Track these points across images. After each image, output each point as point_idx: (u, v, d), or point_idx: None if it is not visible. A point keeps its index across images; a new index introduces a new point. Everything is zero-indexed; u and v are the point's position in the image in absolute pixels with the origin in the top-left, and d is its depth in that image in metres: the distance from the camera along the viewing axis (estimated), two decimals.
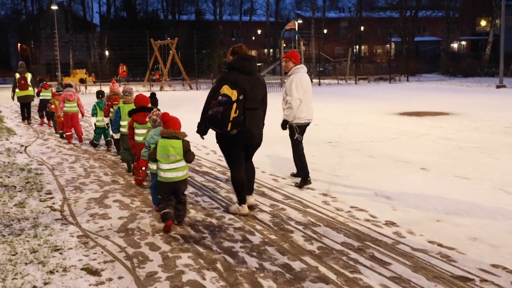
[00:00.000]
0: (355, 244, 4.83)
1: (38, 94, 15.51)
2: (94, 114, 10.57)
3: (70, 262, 4.52)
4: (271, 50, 66.95)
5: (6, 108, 21.46)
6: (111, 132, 9.17)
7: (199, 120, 5.92)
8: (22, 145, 11.22)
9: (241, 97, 5.48)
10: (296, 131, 7.16)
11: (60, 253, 4.72)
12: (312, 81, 40.00)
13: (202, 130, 5.93)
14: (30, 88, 15.35)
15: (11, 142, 11.69)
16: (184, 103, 21.98)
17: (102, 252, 4.74)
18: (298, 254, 4.63)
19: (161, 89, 32.85)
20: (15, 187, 7.29)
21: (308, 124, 7.30)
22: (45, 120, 15.26)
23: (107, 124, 10.08)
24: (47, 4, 58.79)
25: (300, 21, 47.37)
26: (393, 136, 11.42)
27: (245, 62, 5.73)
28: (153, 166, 5.75)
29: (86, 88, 35.01)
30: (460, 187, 6.88)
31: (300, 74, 7.05)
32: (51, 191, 7.06)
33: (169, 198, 5.37)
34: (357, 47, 61.73)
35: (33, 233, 5.24)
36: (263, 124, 6.06)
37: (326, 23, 63.55)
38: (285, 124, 7.23)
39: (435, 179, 7.39)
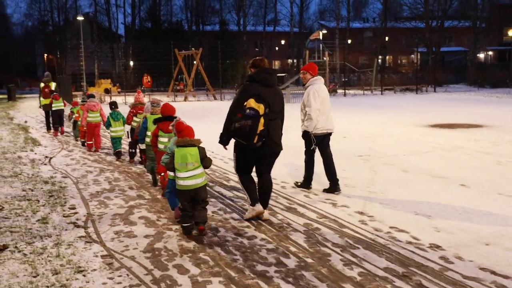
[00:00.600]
0: (399, 270, 4.45)
1: (45, 106, 15.60)
2: (108, 125, 10.80)
3: (94, 286, 4.24)
4: (294, 61, 66.65)
5: (31, 118, 21.51)
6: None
7: (221, 131, 6.04)
8: (46, 157, 11.07)
9: (267, 111, 5.68)
10: (313, 141, 7.34)
11: (84, 275, 4.44)
12: (336, 92, 39.61)
13: (224, 141, 6.05)
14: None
15: (35, 153, 11.57)
16: (209, 113, 21.79)
17: (127, 275, 4.45)
18: (338, 280, 4.27)
19: (186, 99, 32.79)
20: (39, 201, 7.08)
21: (326, 134, 7.46)
22: (62, 128, 15.46)
23: (127, 132, 10.23)
24: (73, 15, 59.60)
25: (324, 31, 46.99)
26: (427, 150, 10.97)
27: (266, 75, 5.91)
28: (170, 172, 5.82)
29: (110, 98, 35.13)
30: (507, 206, 6.43)
31: (317, 85, 7.24)
32: (74, 206, 6.82)
33: (189, 210, 5.47)
34: (382, 57, 61.21)
35: (55, 252, 4.98)
36: (281, 133, 6.18)
37: (350, 33, 63.04)
38: (305, 135, 7.40)
39: (477, 197, 6.96)
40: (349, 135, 13.33)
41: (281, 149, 6.13)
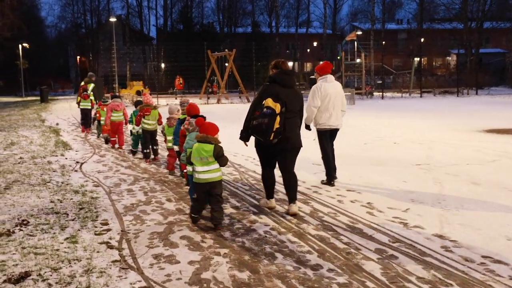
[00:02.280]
0: None
1: (78, 104, 16.41)
2: (130, 121, 11.25)
3: None
4: None
5: (63, 120, 21.06)
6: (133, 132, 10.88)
7: (242, 128, 6.40)
8: (77, 162, 10.39)
9: (283, 110, 6.00)
10: (317, 135, 7.94)
11: None
12: (372, 94, 38.41)
13: (244, 137, 6.42)
14: (91, 98, 16.10)
15: (66, 158, 10.91)
16: (242, 116, 20.90)
17: None
18: None
19: (218, 101, 32.07)
20: (68, 214, 6.32)
21: (332, 130, 7.88)
22: (88, 129, 16.16)
23: (137, 132, 10.62)
24: (106, 17, 59.67)
25: (359, 32, 45.77)
26: (492, 158, 9.90)
27: (285, 76, 6.28)
28: (189, 168, 6.24)
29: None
30: None
31: (319, 84, 7.65)
32: (107, 221, 6.04)
33: (201, 202, 5.80)
34: (418, 59, 59.61)
35: (85, 282, 4.18)
36: (299, 130, 6.45)
37: (384, 34, 61.54)
38: (306, 127, 7.84)
39: None
40: (399, 141, 12.32)
41: (300, 146, 6.36)
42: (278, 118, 5.93)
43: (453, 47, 66.62)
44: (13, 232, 5.60)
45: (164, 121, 9.77)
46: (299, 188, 7.55)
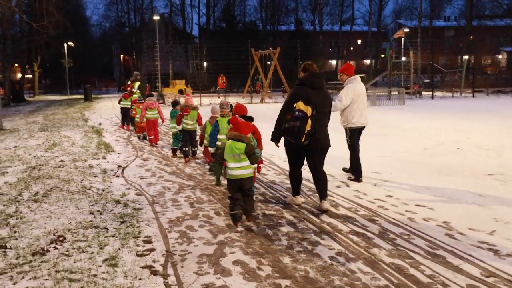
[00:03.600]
0: None
1: (119, 102, 17.22)
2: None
3: None
4: (373, 61, 63.86)
5: (106, 120, 20.77)
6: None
7: (273, 130, 6.56)
8: (119, 166, 9.87)
9: (314, 112, 6.13)
10: (347, 134, 8.11)
11: None
12: (421, 94, 36.98)
13: (276, 138, 6.58)
14: (135, 96, 15.97)
15: (108, 161, 10.41)
16: None
17: None
18: None
19: (262, 101, 31.38)
20: (108, 229, 5.73)
21: (361, 127, 8.13)
22: (128, 126, 16.83)
23: (179, 131, 10.66)
24: (149, 16, 59.87)
25: (407, 30, 44.22)
26: None
27: (315, 79, 6.38)
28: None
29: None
30: None
31: (352, 85, 7.86)
32: (150, 238, 5.41)
33: (237, 197, 5.95)
34: (467, 57, 57.45)
35: None
36: (327, 131, 6.50)
37: (427, 32, 59.56)
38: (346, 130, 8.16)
39: None
40: (463, 147, 11.32)
41: (329, 145, 6.51)
42: (309, 121, 6.07)
43: (504, 44, 64.01)
44: (48, 250, 5.03)
45: (204, 120, 9.61)
46: (361, 202, 6.81)
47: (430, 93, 35.13)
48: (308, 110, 6.07)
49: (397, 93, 30.04)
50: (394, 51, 45.52)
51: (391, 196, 7.09)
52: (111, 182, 8.33)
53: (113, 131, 16.41)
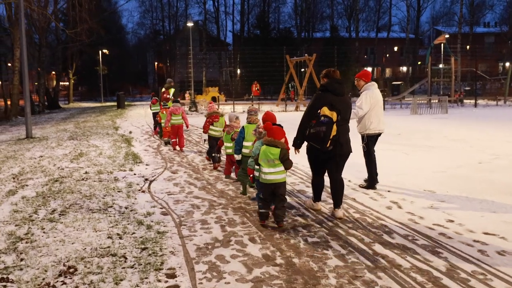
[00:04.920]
0: None
1: (150, 108, 18.10)
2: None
3: None
4: (410, 68, 62.25)
5: (137, 128, 20.21)
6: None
7: (295, 136, 6.47)
8: (146, 179, 9.16)
9: (339, 118, 6.16)
10: (363, 141, 7.99)
11: None
12: (462, 102, 35.51)
13: (298, 144, 6.50)
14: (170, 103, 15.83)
15: (134, 174, 9.72)
16: None
17: None
18: None
19: (297, 109, 30.52)
20: (126, 258, 4.95)
21: (379, 134, 8.03)
22: (155, 131, 17.16)
23: (204, 140, 10.89)
24: (183, 23, 59.79)
25: (447, 36, 42.72)
26: None
27: (337, 85, 6.36)
28: (256, 173, 6.37)
29: (218, 108, 33.62)
30: None
31: (370, 91, 7.82)
32: (174, 271, 4.61)
33: (268, 200, 6.04)
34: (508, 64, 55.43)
35: None
36: (349, 137, 6.49)
37: (467, 38, 57.67)
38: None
39: None
40: None
41: (350, 151, 6.50)
42: (335, 126, 6.09)
43: None
44: (54, 286, 4.28)
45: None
46: (418, 228, 5.89)
47: (472, 101, 33.65)
48: (334, 116, 6.09)
49: (436, 101, 28.79)
50: (434, 57, 44.12)
51: (452, 221, 6.13)
52: (135, 199, 7.60)
53: (143, 140, 15.80)
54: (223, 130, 9.92)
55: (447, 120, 21.59)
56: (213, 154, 10.44)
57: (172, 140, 13.38)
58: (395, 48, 67.57)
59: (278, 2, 64.60)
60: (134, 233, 5.80)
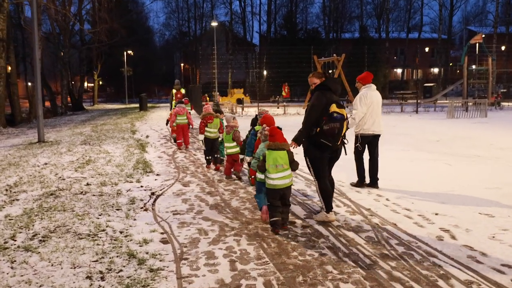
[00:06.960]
0: None
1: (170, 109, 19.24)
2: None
3: None
4: (442, 70, 60.18)
5: (155, 131, 19.16)
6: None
7: (299, 132, 6.23)
8: (153, 193, 8.04)
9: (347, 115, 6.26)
10: (358, 141, 8.04)
11: None
12: (499, 105, 33.64)
13: (300, 141, 6.24)
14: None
15: (141, 186, 8.62)
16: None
17: None
18: None
19: None
20: None
21: (373, 135, 8.02)
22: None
23: (202, 140, 10.66)
24: (209, 25, 59.01)
25: (483, 35, 40.75)
26: None
27: (336, 85, 6.38)
28: (260, 175, 6.26)
29: (243, 110, 32.52)
30: None
31: (364, 91, 7.95)
32: None
33: (277, 205, 5.88)
34: None
35: None
36: None
37: (503, 38, 55.33)
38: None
39: None
40: None
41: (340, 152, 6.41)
42: (345, 123, 6.05)
43: None
44: None
45: (241, 132, 9.50)
46: (480, 269, 4.57)
47: (511, 103, 31.78)
48: (344, 112, 6.03)
49: (472, 104, 27.14)
50: (469, 58, 42.23)
51: None
52: (134, 220, 6.46)
53: (159, 145, 14.73)
54: (222, 131, 10.15)
55: (487, 125, 20.00)
56: (216, 156, 10.47)
57: (178, 140, 13.79)
58: (426, 49, 65.55)
59: (306, 3, 63.36)
60: (121, 270, 4.64)
